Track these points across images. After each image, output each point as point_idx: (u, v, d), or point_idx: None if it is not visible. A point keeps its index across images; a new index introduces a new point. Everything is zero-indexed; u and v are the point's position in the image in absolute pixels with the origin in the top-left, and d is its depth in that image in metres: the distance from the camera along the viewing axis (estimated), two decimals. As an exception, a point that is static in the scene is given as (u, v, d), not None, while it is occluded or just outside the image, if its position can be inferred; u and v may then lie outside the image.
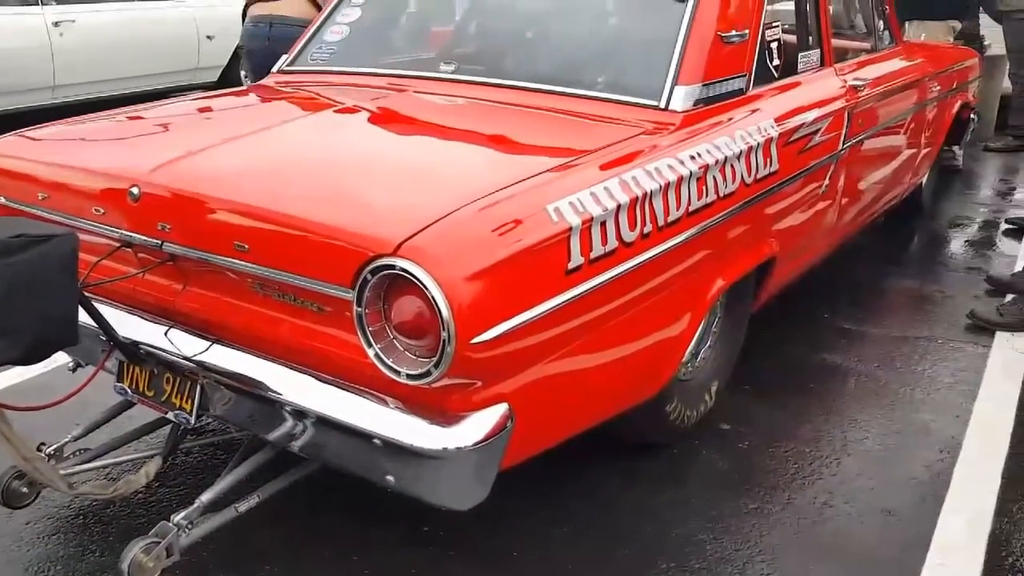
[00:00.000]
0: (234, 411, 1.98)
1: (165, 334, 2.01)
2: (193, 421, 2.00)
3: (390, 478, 1.72)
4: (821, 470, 2.47)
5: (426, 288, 1.54)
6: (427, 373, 1.60)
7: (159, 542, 1.84)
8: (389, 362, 1.64)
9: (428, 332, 1.59)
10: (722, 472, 2.48)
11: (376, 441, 1.67)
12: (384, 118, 2.46)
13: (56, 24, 6.38)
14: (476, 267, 1.58)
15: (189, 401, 2.00)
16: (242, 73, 5.59)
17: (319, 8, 3.71)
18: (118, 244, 2.05)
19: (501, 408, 1.67)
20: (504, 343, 1.62)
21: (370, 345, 1.65)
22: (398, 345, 1.66)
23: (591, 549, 2.14)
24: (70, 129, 2.50)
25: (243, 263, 1.81)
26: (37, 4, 6.35)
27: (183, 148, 2.10)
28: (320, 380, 1.80)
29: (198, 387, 1.98)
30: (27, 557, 2.14)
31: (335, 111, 2.48)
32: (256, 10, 4.17)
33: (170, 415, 2.04)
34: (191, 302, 1.99)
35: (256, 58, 4.11)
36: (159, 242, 1.94)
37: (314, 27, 3.05)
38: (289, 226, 1.74)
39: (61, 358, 2.80)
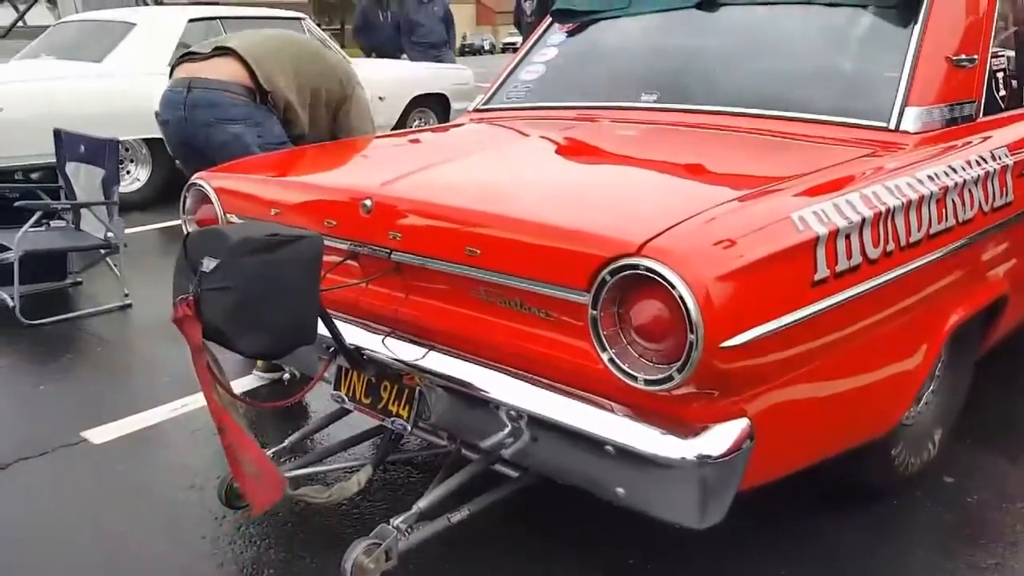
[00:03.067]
0: (452, 418, 1.99)
1: (383, 341, 2.05)
2: (410, 428, 2.02)
3: (620, 490, 1.66)
4: (1069, 529, 2.21)
5: (673, 288, 1.49)
6: (668, 379, 1.54)
7: (380, 544, 1.84)
8: (624, 367, 1.60)
9: (670, 335, 1.54)
10: (950, 526, 2.26)
11: (608, 449, 1.62)
12: (598, 144, 2.47)
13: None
14: (724, 268, 1.53)
15: (407, 408, 2.03)
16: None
17: (253, 76, 3.14)
18: (345, 255, 2.13)
19: (743, 423, 1.59)
20: (750, 353, 1.55)
21: (604, 349, 1.62)
22: (633, 350, 1.61)
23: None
24: (289, 156, 2.66)
25: (473, 269, 1.83)
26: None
27: (408, 167, 2.18)
28: (543, 387, 1.78)
29: (416, 394, 2.00)
30: (242, 559, 2.20)
31: (549, 137, 2.51)
32: (178, 73, 3.34)
33: (387, 423, 2.07)
34: (413, 310, 2.03)
35: (170, 129, 3.31)
36: (388, 251, 2.00)
37: (509, 68, 3.14)
38: (524, 230, 1.76)
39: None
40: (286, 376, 2.49)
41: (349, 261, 2.13)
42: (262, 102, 3.18)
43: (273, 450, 2.28)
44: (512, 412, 1.80)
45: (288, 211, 2.26)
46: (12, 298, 3.89)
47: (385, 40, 9.24)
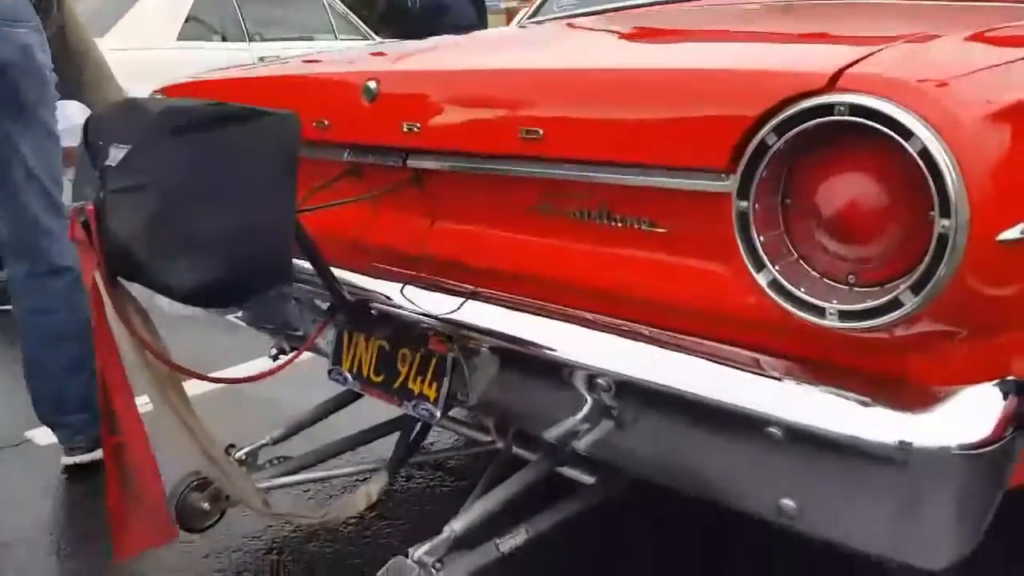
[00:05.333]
0: (501, 397, 1.34)
1: (401, 291, 1.41)
2: (439, 414, 1.37)
3: (787, 503, 0.99)
4: None
5: (908, 137, 0.83)
6: (890, 306, 0.87)
7: (394, 588, 1.20)
8: (799, 293, 0.94)
9: (894, 228, 0.88)
10: None
11: (772, 432, 0.96)
12: (702, 24, 1.79)
13: (261, 59, 6.40)
14: (994, 104, 0.87)
15: (434, 386, 1.38)
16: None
17: None
18: (343, 170, 1.50)
19: (1010, 386, 0.92)
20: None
21: (760, 266, 0.96)
22: (814, 264, 0.95)
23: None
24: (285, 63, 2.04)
25: (533, 163, 1.19)
26: (245, 41, 6.44)
27: (432, 46, 1.55)
28: (642, 339, 1.12)
29: (448, 364, 1.35)
30: (206, 601, 1.57)
31: (632, 24, 1.84)
32: None
33: (407, 408, 1.42)
34: (443, 242, 1.38)
35: None
36: (403, 155, 1.37)
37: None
38: (612, 86, 1.11)
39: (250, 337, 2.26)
40: (273, 351, 1.85)
41: (348, 178, 1.50)
42: None
43: (247, 449, 1.64)
44: (596, 380, 1.14)
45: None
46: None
47: (414, 25, 8.72)
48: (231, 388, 2.30)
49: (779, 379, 0.98)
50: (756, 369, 1.01)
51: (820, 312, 0.93)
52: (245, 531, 1.72)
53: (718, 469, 1.07)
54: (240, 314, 1.87)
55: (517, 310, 1.27)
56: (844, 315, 0.91)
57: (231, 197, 1.11)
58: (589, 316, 1.19)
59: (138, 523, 1.20)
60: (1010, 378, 0.92)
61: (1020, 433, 0.90)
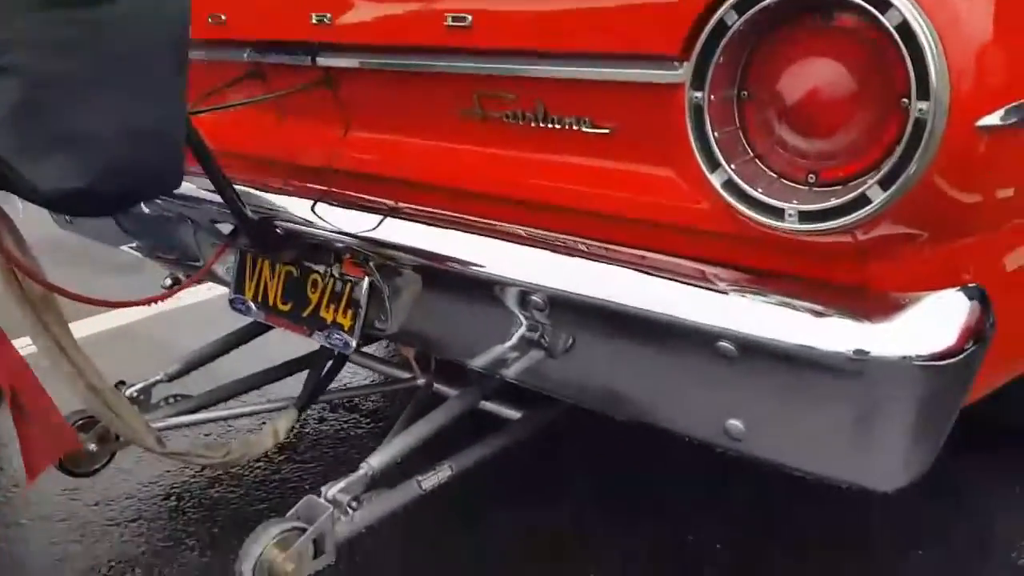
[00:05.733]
0: (424, 322, 1.23)
1: (312, 208, 1.28)
2: (355, 344, 1.25)
3: (734, 423, 0.92)
4: None
5: (887, 7, 0.74)
6: (856, 204, 0.80)
7: (304, 529, 1.08)
8: (755, 194, 0.86)
9: (862, 115, 0.80)
10: None
11: (723, 347, 0.88)
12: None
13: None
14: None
15: (348, 313, 1.26)
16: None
17: None
18: (244, 72, 1.34)
19: (975, 291, 0.86)
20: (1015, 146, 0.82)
21: (715, 166, 0.87)
22: (771, 162, 0.87)
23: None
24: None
25: (460, 58, 1.07)
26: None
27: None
28: (581, 255, 1.03)
29: (365, 289, 1.23)
30: (95, 551, 1.43)
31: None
32: None
33: (318, 338, 1.30)
34: (358, 153, 1.26)
35: None
36: (311, 52, 1.23)
37: None
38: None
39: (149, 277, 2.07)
40: (168, 281, 1.69)
41: (249, 81, 1.35)
42: None
43: (139, 386, 1.49)
44: (529, 297, 1.04)
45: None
46: None
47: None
48: (121, 329, 2.13)
49: (725, 291, 0.90)
50: (702, 281, 0.93)
51: (778, 214, 0.85)
52: (141, 477, 1.57)
53: (660, 391, 0.99)
54: (136, 244, 1.71)
55: (442, 227, 1.16)
56: (804, 216, 0.83)
57: (111, 84, 0.96)
58: (522, 231, 1.09)
59: (36, 439, 1.06)
60: (973, 284, 0.86)
61: (982, 344, 0.84)
